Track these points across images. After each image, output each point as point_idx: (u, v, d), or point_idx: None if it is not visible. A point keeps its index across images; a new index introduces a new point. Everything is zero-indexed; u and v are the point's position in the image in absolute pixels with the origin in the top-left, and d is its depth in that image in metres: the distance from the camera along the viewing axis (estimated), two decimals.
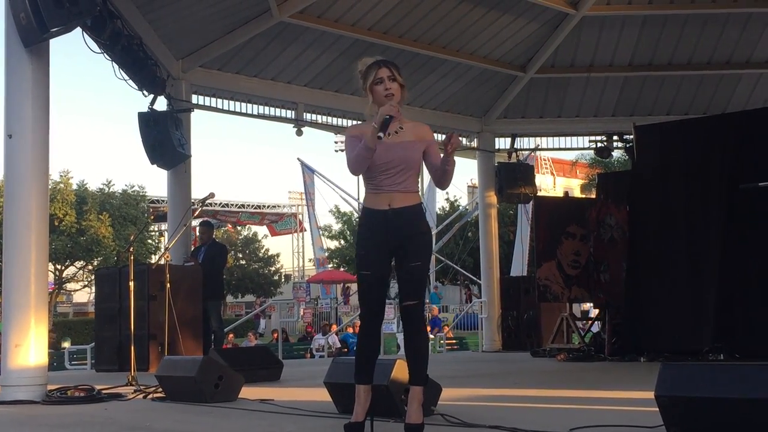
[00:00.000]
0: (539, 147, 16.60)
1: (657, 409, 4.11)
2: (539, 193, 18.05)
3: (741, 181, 8.48)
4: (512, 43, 13.72)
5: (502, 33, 13.40)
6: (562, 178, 45.66)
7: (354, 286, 39.47)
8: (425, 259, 4.54)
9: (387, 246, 4.44)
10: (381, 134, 4.24)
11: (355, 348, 4.75)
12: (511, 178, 15.02)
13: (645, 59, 14.09)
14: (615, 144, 15.32)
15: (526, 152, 16.56)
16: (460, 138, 4.33)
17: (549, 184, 43.34)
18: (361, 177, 4.57)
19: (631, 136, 12.51)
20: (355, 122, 14.35)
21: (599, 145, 15.39)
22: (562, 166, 45.73)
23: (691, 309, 10.43)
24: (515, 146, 15.60)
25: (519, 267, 21.76)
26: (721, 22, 13.21)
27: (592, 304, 16.66)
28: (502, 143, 15.74)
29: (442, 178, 4.50)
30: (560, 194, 31.80)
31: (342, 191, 34.31)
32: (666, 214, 10.98)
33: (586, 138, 15.80)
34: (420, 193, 4.65)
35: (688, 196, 10.82)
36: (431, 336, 21.29)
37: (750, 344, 9.68)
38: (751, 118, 11.00)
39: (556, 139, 16.02)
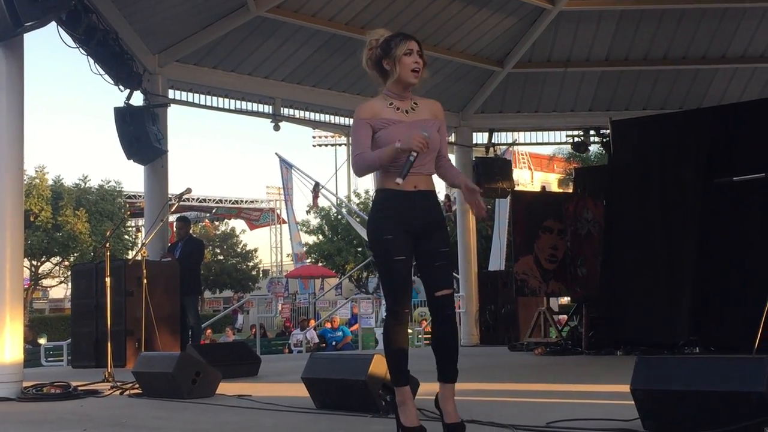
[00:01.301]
0: (517, 142, 16.63)
1: (633, 402, 4.14)
2: (517, 188, 18.10)
3: (717, 175, 8.55)
4: (490, 38, 13.75)
5: (479, 28, 13.42)
6: (539, 173, 45.92)
7: (332, 281, 39.45)
8: (449, 246, 4.26)
9: (413, 230, 4.08)
10: (400, 180, 3.94)
11: (384, 346, 4.17)
12: (488, 173, 15.03)
13: (621, 54, 14.14)
14: (592, 138, 15.43)
15: (504, 147, 16.58)
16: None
17: (527, 179, 43.57)
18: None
19: (608, 131, 12.57)
20: (332, 117, 14.32)
21: (576, 139, 15.48)
22: (539, 160, 45.98)
23: (667, 303, 10.49)
24: (493, 141, 15.64)
25: (497, 261, 21.74)
26: (696, 17, 13.29)
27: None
28: (480, 138, 15.74)
29: (441, 169, 4.29)
30: (538, 189, 31.84)
31: (321, 186, 34.21)
32: (642, 208, 11.04)
33: (564, 133, 15.89)
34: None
35: (665, 190, 10.88)
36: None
37: (725, 337, 9.74)
38: (727, 112, 11.08)
39: (533, 133, 16.08)
